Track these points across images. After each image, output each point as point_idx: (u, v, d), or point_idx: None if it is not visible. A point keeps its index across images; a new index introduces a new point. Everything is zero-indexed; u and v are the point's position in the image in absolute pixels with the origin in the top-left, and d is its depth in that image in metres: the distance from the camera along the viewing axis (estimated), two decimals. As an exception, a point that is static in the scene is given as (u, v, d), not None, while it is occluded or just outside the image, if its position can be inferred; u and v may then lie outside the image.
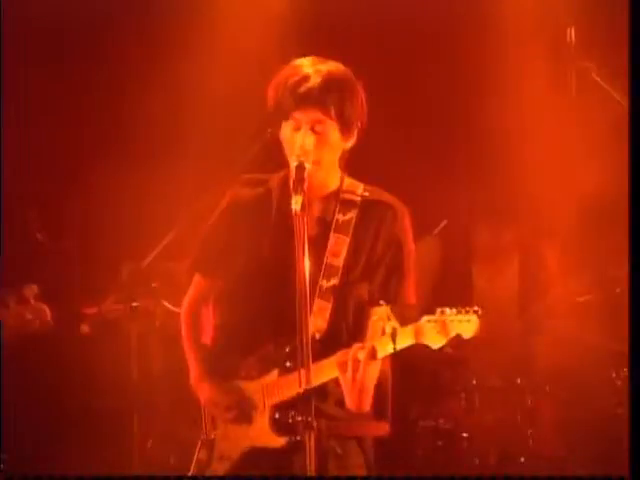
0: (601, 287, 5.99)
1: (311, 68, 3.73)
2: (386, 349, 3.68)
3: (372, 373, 3.71)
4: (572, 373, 6.07)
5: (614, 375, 5.90)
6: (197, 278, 4.09)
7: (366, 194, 3.91)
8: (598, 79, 5.67)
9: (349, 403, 3.74)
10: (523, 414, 5.88)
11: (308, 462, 3.41)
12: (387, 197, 3.93)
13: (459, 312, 3.66)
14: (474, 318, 3.64)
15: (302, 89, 3.70)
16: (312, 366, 3.65)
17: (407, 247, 3.91)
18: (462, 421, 5.92)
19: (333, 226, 3.86)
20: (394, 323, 3.66)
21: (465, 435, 5.89)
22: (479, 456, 5.86)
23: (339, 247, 3.85)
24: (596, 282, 6.02)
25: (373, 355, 3.68)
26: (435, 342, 3.67)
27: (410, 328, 3.68)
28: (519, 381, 5.92)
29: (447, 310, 3.67)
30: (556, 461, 5.88)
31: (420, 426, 5.99)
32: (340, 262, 3.84)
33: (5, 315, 3.78)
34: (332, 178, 3.90)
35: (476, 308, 3.66)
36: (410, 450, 6.00)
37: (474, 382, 5.95)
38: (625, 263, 4.71)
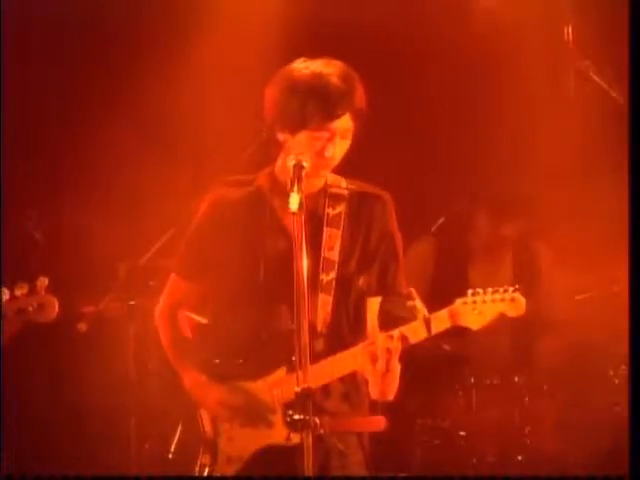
0: (599, 286, 5.99)
1: (336, 77, 3.68)
2: (418, 335, 3.69)
3: (397, 362, 3.72)
4: (570, 371, 6.07)
5: (612, 373, 5.90)
6: (175, 279, 4.06)
7: (352, 187, 3.94)
8: (596, 78, 5.66)
9: (375, 393, 3.76)
10: (521, 413, 5.88)
11: (306, 461, 3.39)
12: (372, 188, 3.96)
13: (496, 291, 3.66)
14: (518, 296, 3.65)
15: (332, 100, 3.65)
16: (329, 360, 3.74)
17: (397, 236, 3.96)
18: (460, 419, 5.92)
19: (325, 220, 3.87)
20: (423, 309, 3.66)
21: (463, 434, 5.89)
22: (477, 455, 5.86)
23: (333, 241, 3.86)
24: (593, 281, 6.02)
25: (405, 342, 3.69)
26: (475, 323, 3.68)
27: (444, 312, 3.69)
28: (517, 379, 5.92)
29: (480, 291, 3.67)
30: (554, 460, 5.88)
31: (418, 424, 5.99)
32: (336, 255, 3.85)
33: (13, 305, 3.78)
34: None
35: (517, 286, 3.66)
36: (407, 448, 6.00)
37: (472, 380, 5.95)
38: (623, 262, 4.71)
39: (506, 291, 3.67)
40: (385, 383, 3.73)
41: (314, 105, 3.67)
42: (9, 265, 5.93)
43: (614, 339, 5.82)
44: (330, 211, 3.88)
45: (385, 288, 3.92)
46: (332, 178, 3.93)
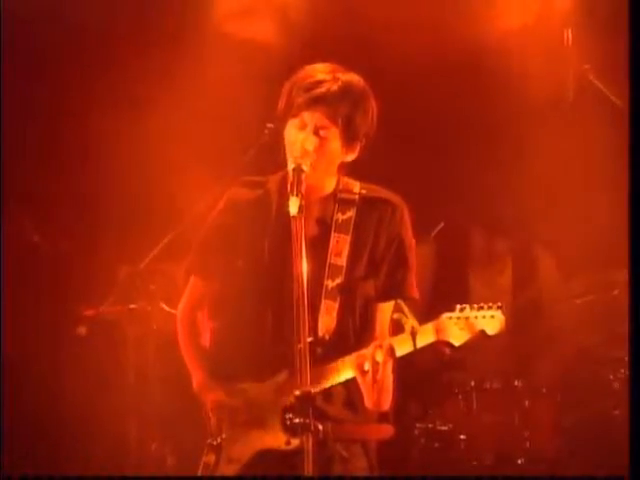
0: (598, 289, 6.00)
1: (330, 75, 3.76)
2: (405, 347, 3.67)
3: (390, 372, 3.70)
4: (569, 375, 6.08)
5: (611, 377, 5.91)
6: (194, 281, 4.07)
7: (363, 192, 3.93)
8: (595, 81, 5.67)
9: (369, 403, 3.73)
10: (521, 416, 5.87)
11: (306, 464, 3.40)
12: (385, 193, 3.95)
13: (481, 308, 3.67)
14: (498, 314, 3.65)
15: (315, 92, 3.72)
16: (326, 367, 3.72)
17: (408, 242, 3.93)
18: (460, 423, 5.91)
19: (333, 226, 3.87)
20: (412, 321, 3.65)
21: (462, 437, 5.88)
22: (476, 458, 5.85)
23: (341, 246, 3.86)
24: (593, 284, 6.03)
25: (392, 354, 3.67)
26: (458, 339, 3.67)
27: (430, 325, 3.68)
28: (517, 383, 5.91)
29: (467, 307, 3.67)
30: (553, 463, 5.87)
31: (417, 428, 5.98)
32: (343, 261, 3.85)
33: None
34: (329, 180, 3.92)
35: (500, 304, 3.67)
36: (407, 452, 5.99)
37: (472, 384, 5.94)
38: (622, 265, 4.71)
39: (490, 308, 3.67)
40: (375, 394, 3.70)
41: (297, 93, 3.75)
42: (9, 269, 5.95)
43: (613, 343, 5.83)
44: (339, 216, 3.88)
45: (393, 293, 3.88)
46: (345, 182, 3.94)
